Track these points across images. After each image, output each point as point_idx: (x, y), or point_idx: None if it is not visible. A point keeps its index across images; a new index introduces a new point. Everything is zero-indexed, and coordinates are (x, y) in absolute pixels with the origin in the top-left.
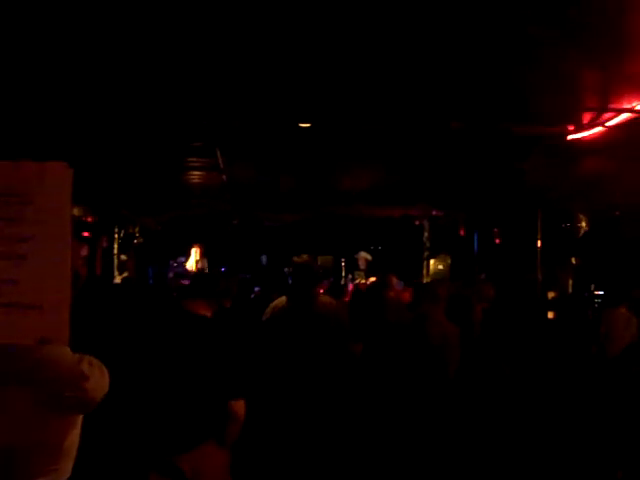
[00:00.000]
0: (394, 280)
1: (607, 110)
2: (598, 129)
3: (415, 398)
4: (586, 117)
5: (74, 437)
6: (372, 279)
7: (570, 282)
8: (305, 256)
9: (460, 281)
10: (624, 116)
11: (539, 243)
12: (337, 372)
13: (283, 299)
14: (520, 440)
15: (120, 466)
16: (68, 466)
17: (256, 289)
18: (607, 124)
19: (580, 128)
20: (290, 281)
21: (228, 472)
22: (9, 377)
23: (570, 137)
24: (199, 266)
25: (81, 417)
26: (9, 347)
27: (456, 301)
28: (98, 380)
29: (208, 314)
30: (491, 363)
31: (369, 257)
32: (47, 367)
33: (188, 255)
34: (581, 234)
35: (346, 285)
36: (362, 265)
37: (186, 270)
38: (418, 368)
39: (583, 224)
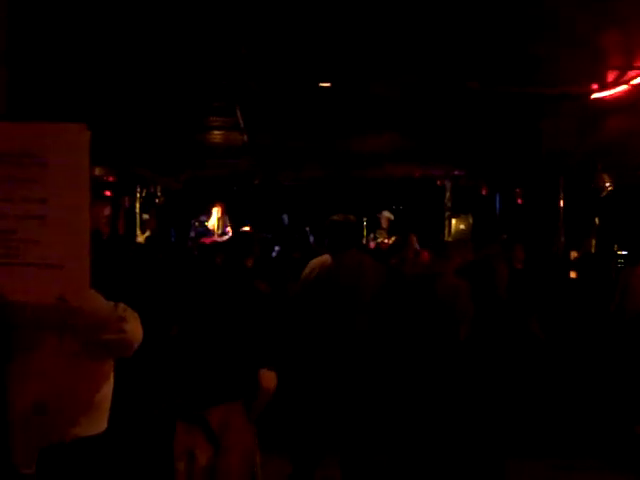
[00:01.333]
0: (414, 240)
1: (632, 68)
2: (622, 87)
3: (424, 354)
4: (610, 75)
5: (106, 390)
6: (393, 238)
7: (593, 242)
8: (341, 215)
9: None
10: None
11: (562, 203)
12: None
13: (325, 257)
14: (539, 394)
15: (150, 415)
16: (101, 419)
17: (277, 248)
18: (632, 82)
19: (604, 87)
20: (329, 239)
21: (253, 438)
22: (43, 321)
23: (594, 96)
24: (221, 224)
25: (112, 371)
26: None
27: (480, 263)
28: (135, 325)
29: None
30: (514, 324)
31: (391, 216)
32: (83, 312)
33: (210, 214)
34: (604, 194)
35: (368, 244)
36: (384, 224)
37: (207, 229)
38: (427, 323)
39: (607, 184)
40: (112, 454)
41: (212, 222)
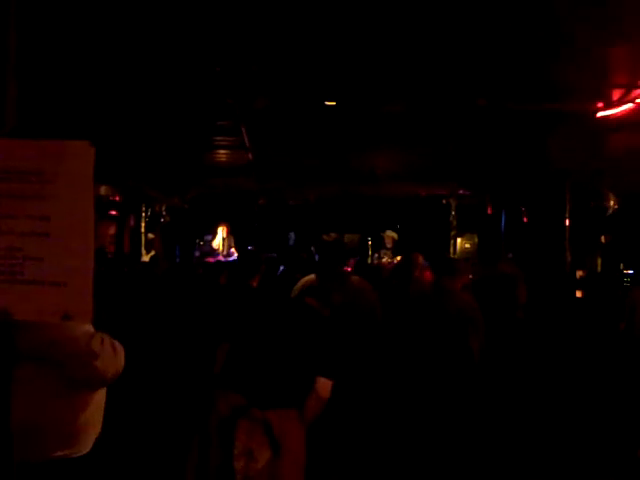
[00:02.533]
0: (420, 259)
1: (637, 86)
2: (628, 105)
3: (434, 369)
4: (616, 94)
5: (90, 414)
6: (398, 258)
7: (599, 261)
8: (333, 234)
9: (504, 261)
10: None
11: (567, 222)
12: (370, 348)
13: (311, 277)
14: (546, 418)
15: (209, 411)
16: (86, 442)
17: (282, 268)
18: (637, 100)
19: (609, 105)
20: (317, 259)
21: (304, 443)
22: (28, 354)
23: (599, 114)
24: (225, 245)
25: (100, 394)
26: (30, 326)
27: (500, 280)
28: (109, 358)
29: None
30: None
31: (395, 236)
32: (61, 345)
33: (215, 234)
34: (610, 212)
35: (372, 263)
36: (389, 244)
37: (212, 249)
38: (436, 339)
39: (612, 202)
40: (94, 476)
41: (217, 242)
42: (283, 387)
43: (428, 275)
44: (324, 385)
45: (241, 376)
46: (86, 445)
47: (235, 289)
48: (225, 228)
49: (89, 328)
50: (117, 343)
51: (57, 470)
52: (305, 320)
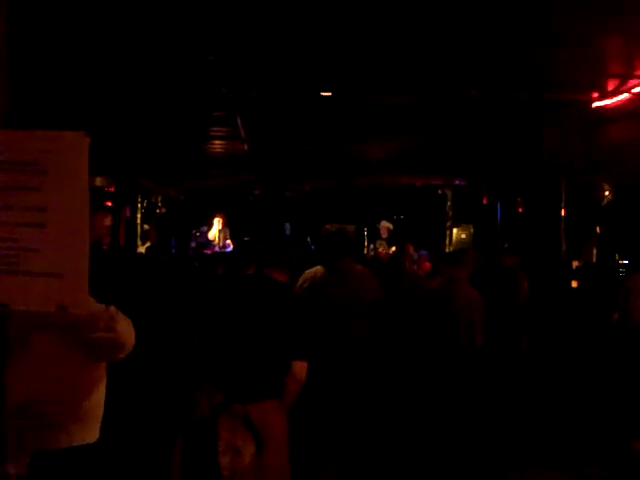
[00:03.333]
0: (411, 249)
1: (632, 77)
2: (623, 96)
3: (442, 360)
4: (611, 84)
5: (97, 399)
6: (394, 248)
7: (594, 251)
8: (335, 224)
9: (503, 254)
10: None
11: (563, 212)
12: (374, 335)
13: (318, 268)
14: (543, 406)
15: (192, 409)
16: (93, 428)
17: None
18: (633, 91)
19: (605, 95)
20: (321, 249)
21: (287, 432)
22: (31, 322)
23: (595, 104)
24: (222, 236)
25: (104, 378)
26: None
27: (500, 272)
28: (126, 327)
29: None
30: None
31: (391, 226)
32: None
33: (210, 225)
34: (605, 203)
35: (367, 254)
36: (384, 234)
37: (208, 240)
38: (442, 330)
39: (607, 193)
40: (104, 465)
41: (213, 233)
42: (261, 379)
43: (427, 266)
44: (300, 367)
45: (218, 371)
46: (95, 431)
47: (231, 278)
48: (221, 220)
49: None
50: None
51: (73, 458)
52: (272, 299)
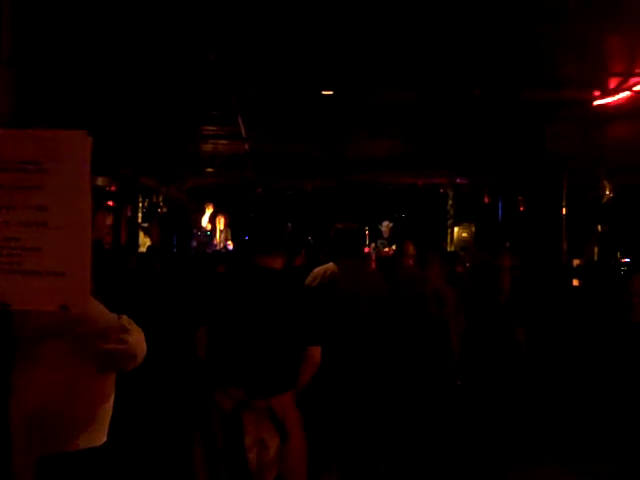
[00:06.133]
0: (411, 247)
1: (634, 75)
2: (624, 94)
3: (418, 360)
4: (612, 82)
5: (106, 406)
6: (394, 247)
7: (596, 250)
8: (345, 223)
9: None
10: None
11: (564, 211)
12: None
13: (330, 265)
14: (542, 404)
15: (209, 409)
16: (101, 433)
17: None
18: (634, 89)
19: (606, 93)
20: (335, 247)
21: (302, 424)
22: (44, 331)
23: (596, 102)
24: (223, 237)
25: (113, 388)
26: None
27: (483, 269)
28: (138, 338)
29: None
30: (512, 330)
31: (392, 225)
32: (85, 320)
33: (203, 212)
34: (605, 201)
35: (370, 253)
36: (385, 234)
37: (209, 238)
38: (419, 329)
39: (608, 192)
40: (111, 467)
41: (205, 220)
42: (280, 372)
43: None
44: (315, 351)
45: (235, 368)
46: (103, 434)
47: (238, 273)
48: (222, 220)
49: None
50: (138, 327)
51: (80, 461)
52: (281, 290)
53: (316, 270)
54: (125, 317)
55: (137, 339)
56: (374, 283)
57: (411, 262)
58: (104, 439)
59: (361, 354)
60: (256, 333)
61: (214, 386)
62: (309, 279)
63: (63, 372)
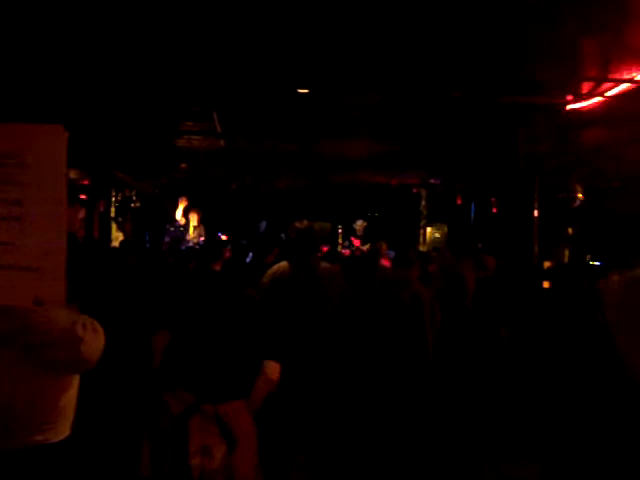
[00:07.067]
0: (384, 247)
1: (607, 80)
2: (597, 99)
3: (391, 357)
4: (585, 87)
5: (70, 397)
6: (368, 246)
7: (566, 252)
8: (305, 221)
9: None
10: (624, 86)
11: (536, 213)
12: (337, 334)
13: (283, 264)
14: (515, 399)
15: (160, 410)
16: (65, 425)
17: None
18: (607, 94)
19: (579, 98)
20: (289, 246)
21: (255, 431)
22: (5, 339)
23: (569, 107)
24: (196, 233)
25: (77, 378)
26: (6, 311)
27: (449, 277)
28: (93, 342)
29: None
30: (485, 331)
31: (365, 224)
32: (40, 331)
33: (176, 206)
34: (576, 204)
35: (342, 251)
36: (359, 232)
37: (182, 233)
38: (394, 329)
39: (579, 195)
40: (75, 460)
41: (179, 214)
42: (232, 379)
43: (387, 263)
44: (273, 367)
45: (188, 372)
46: (65, 429)
47: (199, 274)
48: (196, 216)
49: (68, 312)
50: (96, 323)
51: (38, 456)
52: (243, 305)
53: (272, 268)
54: (81, 321)
55: (91, 346)
56: (329, 281)
57: (385, 262)
58: (67, 433)
59: (316, 350)
60: (210, 339)
61: (166, 387)
62: (264, 277)
63: (14, 376)
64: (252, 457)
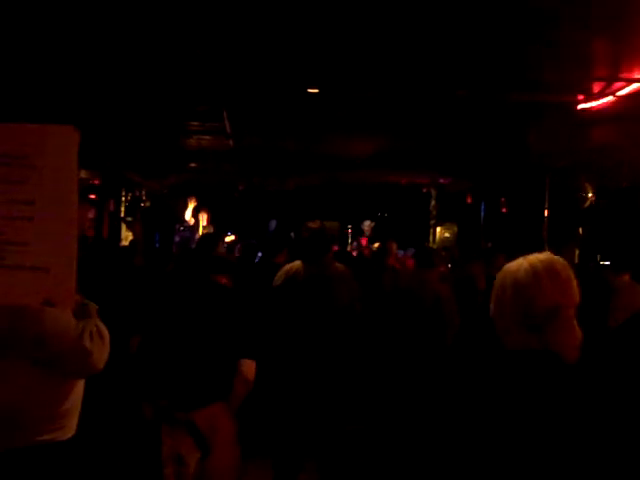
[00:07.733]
0: (394, 247)
1: (618, 79)
2: (608, 98)
3: (411, 358)
4: (596, 86)
5: (76, 398)
6: (377, 245)
7: (576, 252)
8: (318, 221)
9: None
10: (635, 86)
11: (546, 213)
12: (348, 335)
13: (297, 263)
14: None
15: (132, 420)
16: (72, 424)
17: (260, 254)
18: (617, 94)
19: (590, 97)
20: (302, 246)
21: (235, 434)
22: (8, 350)
23: (580, 106)
24: (205, 232)
25: (81, 384)
26: (9, 319)
27: (461, 282)
28: (100, 352)
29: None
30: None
31: (373, 224)
32: (48, 344)
33: (186, 206)
34: (587, 204)
35: (351, 251)
36: (367, 232)
37: (192, 234)
38: (413, 329)
39: (589, 194)
40: (80, 460)
41: (188, 214)
42: (206, 383)
43: (410, 263)
44: (249, 367)
45: (161, 377)
46: (71, 428)
47: (173, 280)
48: (206, 216)
49: (74, 320)
50: (102, 326)
51: (47, 453)
52: (217, 300)
53: (284, 267)
54: (88, 332)
55: (98, 357)
56: (341, 283)
57: (394, 262)
58: (72, 432)
59: (324, 351)
60: (184, 343)
61: (142, 393)
62: (277, 276)
63: (22, 383)
64: (230, 461)
